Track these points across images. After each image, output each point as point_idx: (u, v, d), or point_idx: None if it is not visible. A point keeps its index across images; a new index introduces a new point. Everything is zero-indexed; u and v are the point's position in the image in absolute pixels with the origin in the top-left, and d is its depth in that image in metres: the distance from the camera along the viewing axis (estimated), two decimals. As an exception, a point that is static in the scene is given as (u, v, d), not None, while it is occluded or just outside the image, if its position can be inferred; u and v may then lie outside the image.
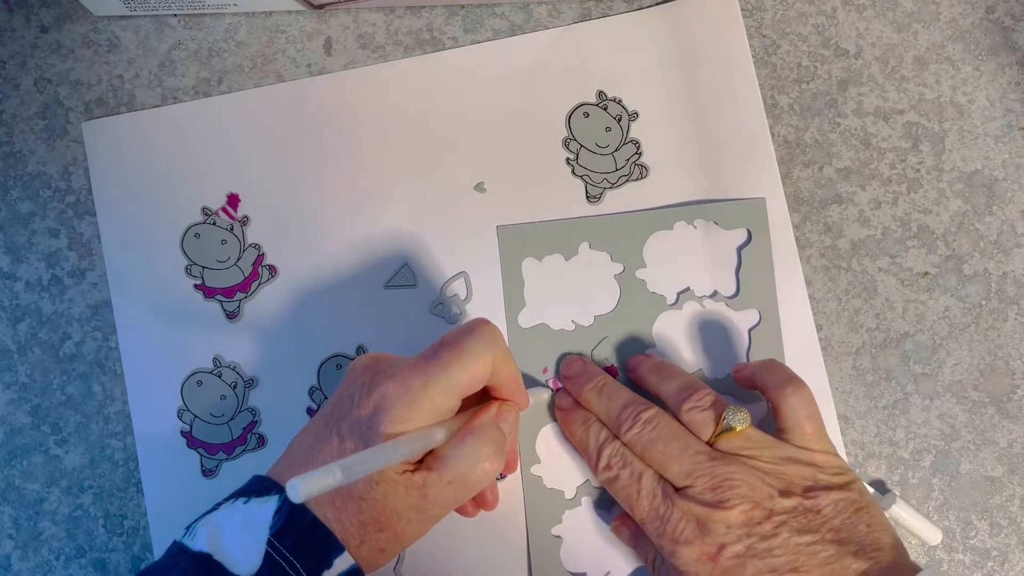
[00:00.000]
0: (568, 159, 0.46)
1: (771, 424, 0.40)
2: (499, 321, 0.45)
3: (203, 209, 0.46)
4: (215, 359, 0.45)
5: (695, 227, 0.46)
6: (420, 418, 0.34)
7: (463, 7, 0.47)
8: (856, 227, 0.46)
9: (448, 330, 0.37)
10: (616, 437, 0.41)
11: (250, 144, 0.46)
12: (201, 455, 0.45)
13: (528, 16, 0.47)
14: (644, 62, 0.47)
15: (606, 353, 0.45)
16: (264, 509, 0.33)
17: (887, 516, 0.44)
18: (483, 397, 0.39)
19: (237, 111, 0.47)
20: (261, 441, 0.45)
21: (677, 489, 0.38)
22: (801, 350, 0.45)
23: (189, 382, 0.45)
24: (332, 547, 0.33)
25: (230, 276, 0.46)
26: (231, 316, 0.46)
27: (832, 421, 0.45)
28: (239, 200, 0.46)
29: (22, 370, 0.45)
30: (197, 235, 0.46)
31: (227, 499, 0.35)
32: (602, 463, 0.41)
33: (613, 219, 0.46)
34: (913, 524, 0.44)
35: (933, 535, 0.44)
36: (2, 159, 0.46)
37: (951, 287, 0.46)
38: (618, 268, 0.46)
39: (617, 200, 0.46)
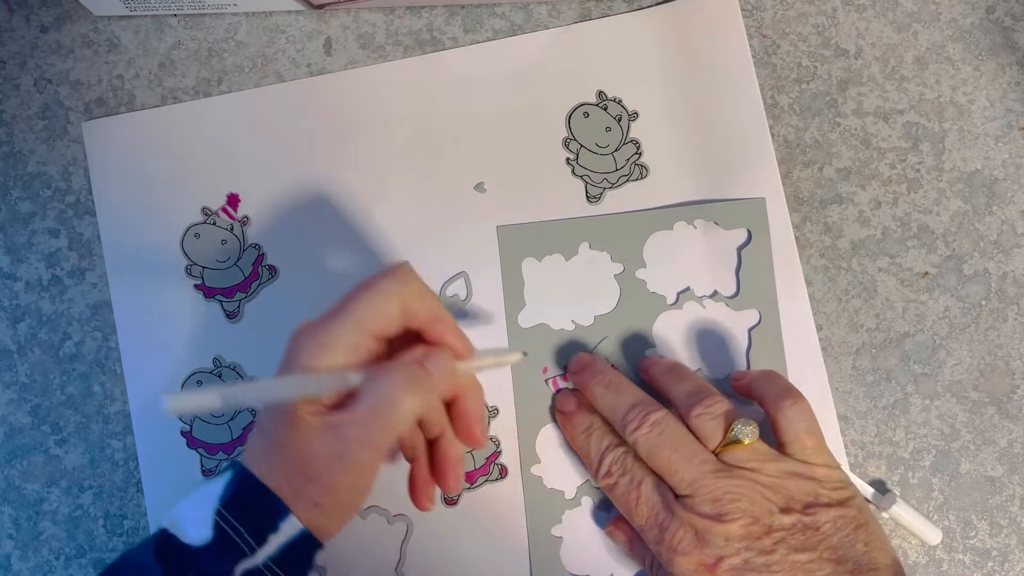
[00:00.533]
0: (568, 159, 0.46)
1: (769, 433, 0.40)
2: (499, 320, 0.45)
3: (203, 209, 0.46)
4: (215, 359, 0.45)
5: (695, 227, 0.46)
6: (330, 358, 0.34)
7: (463, 7, 0.47)
8: (856, 227, 0.46)
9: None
10: (619, 439, 0.41)
11: (250, 144, 0.46)
12: (201, 455, 0.45)
13: (528, 16, 0.47)
14: (644, 62, 0.47)
15: (606, 353, 0.45)
16: (218, 482, 0.34)
17: (887, 516, 0.44)
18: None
19: (237, 111, 0.47)
20: (261, 441, 0.45)
21: (677, 496, 0.38)
22: (801, 350, 0.45)
23: (189, 382, 0.45)
24: (276, 510, 0.33)
25: (230, 276, 0.46)
26: (231, 316, 0.46)
27: (832, 421, 0.45)
28: (239, 200, 0.46)
29: (22, 370, 0.45)
30: (197, 235, 0.46)
31: None
32: (603, 470, 0.41)
33: (613, 219, 0.46)
34: (913, 524, 0.44)
35: (933, 535, 0.44)
36: (2, 159, 0.46)
37: (951, 287, 0.46)
38: (618, 268, 0.46)
39: (617, 200, 0.46)
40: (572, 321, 0.45)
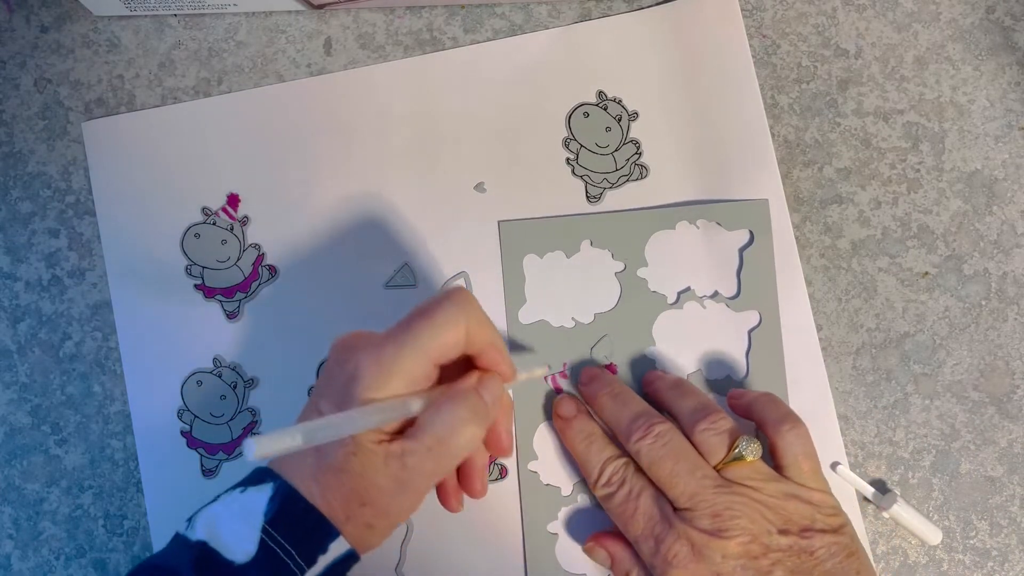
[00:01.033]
0: (568, 159, 0.46)
1: (767, 455, 0.40)
2: (500, 318, 0.45)
3: (203, 209, 0.46)
4: (215, 359, 0.45)
5: (697, 227, 0.46)
6: (393, 386, 0.34)
7: (463, 7, 0.47)
8: (856, 227, 0.46)
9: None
10: (619, 449, 0.41)
11: (250, 144, 0.46)
12: (201, 455, 0.45)
13: (528, 16, 0.47)
14: (644, 62, 0.47)
15: (606, 351, 0.45)
16: (259, 497, 0.33)
17: (887, 516, 0.44)
18: (468, 370, 0.38)
19: (237, 111, 0.47)
20: (261, 441, 0.45)
21: (676, 510, 0.38)
22: (801, 350, 0.45)
23: (189, 382, 0.45)
24: (326, 532, 0.33)
25: (230, 276, 0.46)
26: (231, 316, 0.46)
27: (832, 421, 0.45)
28: (239, 200, 0.46)
29: (22, 370, 0.45)
30: (197, 235, 0.46)
31: (227, 490, 0.35)
32: (603, 479, 0.41)
33: (615, 217, 0.46)
34: (913, 524, 0.44)
35: (933, 535, 0.44)
36: (2, 159, 0.46)
37: (951, 287, 0.46)
38: (619, 266, 0.46)
39: (617, 200, 0.46)
40: (572, 318, 0.45)
